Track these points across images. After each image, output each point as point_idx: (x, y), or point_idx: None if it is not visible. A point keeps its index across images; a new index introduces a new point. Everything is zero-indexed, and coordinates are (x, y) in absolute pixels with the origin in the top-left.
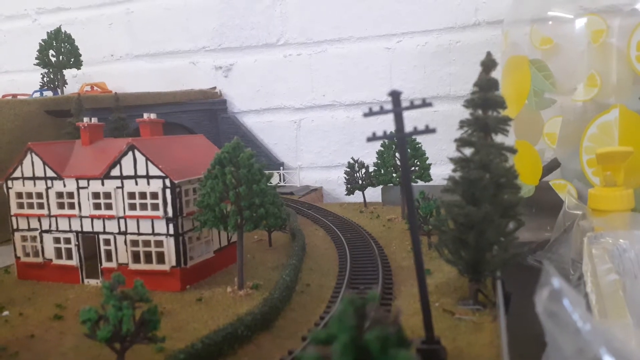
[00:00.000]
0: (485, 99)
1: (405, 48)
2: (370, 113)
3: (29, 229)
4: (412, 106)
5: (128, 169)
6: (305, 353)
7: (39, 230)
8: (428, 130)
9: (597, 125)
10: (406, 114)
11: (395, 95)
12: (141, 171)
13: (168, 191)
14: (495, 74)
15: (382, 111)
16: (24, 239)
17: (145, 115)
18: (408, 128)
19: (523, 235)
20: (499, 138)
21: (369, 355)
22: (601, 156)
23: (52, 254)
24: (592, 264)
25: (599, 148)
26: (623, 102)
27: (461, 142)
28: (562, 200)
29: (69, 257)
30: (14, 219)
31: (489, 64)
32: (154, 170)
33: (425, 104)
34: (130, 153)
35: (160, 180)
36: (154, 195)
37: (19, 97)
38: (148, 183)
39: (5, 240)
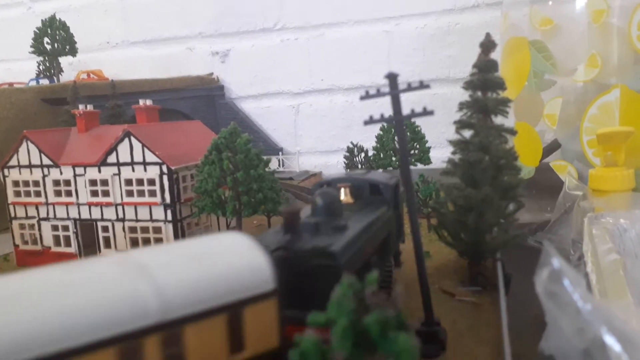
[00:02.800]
0: (484, 80)
1: (403, 31)
2: (366, 96)
3: (27, 217)
4: (410, 88)
5: (124, 156)
6: (304, 337)
7: (37, 218)
8: (426, 113)
9: (598, 105)
10: (405, 98)
11: (392, 78)
12: (138, 158)
13: (165, 177)
14: (495, 55)
15: (379, 94)
16: (22, 227)
17: (141, 102)
18: (407, 111)
19: (523, 216)
20: (498, 120)
21: (368, 339)
22: (602, 136)
23: (50, 241)
24: (592, 244)
25: (599, 129)
26: (624, 82)
27: (460, 125)
28: (563, 181)
29: (68, 244)
30: (11, 207)
31: (488, 45)
32: (150, 157)
33: (422, 85)
34: (126, 140)
35: (157, 167)
36: (151, 182)
37: (15, 85)
38: (145, 169)
39: (3, 228)
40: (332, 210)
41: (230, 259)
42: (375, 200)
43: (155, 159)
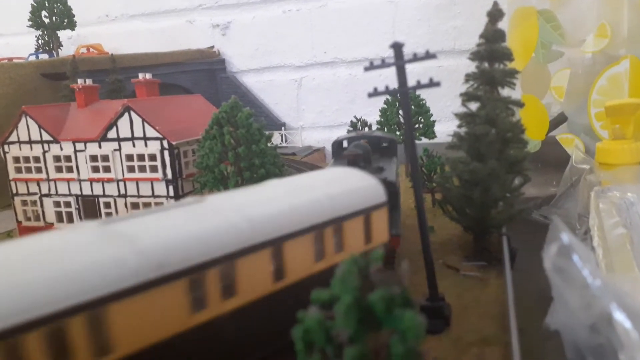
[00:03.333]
0: (491, 50)
1: (408, 1)
2: (371, 67)
3: (29, 193)
4: (415, 58)
5: (125, 131)
6: (307, 313)
7: (39, 195)
8: (432, 84)
9: (607, 77)
10: (409, 70)
11: (397, 48)
12: (138, 133)
13: (166, 153)
14: (502, 25)
15: (383, 65)
16: (24, 203)
17: (141, 76)
18: (411, 83)
19: (528, 190)
20: (505, 92)
21: (373, 316)
22: (610, 108)
23: (53, 218)
24: (599, 218)
25: (608, 101)
26: (634, 53)
27: (467, 97)
28: (569, 154)
29: (70, 220)
30: (12, 183)
31: (495, 14)
32: (151, 132)
33: (429, 55)
34: (126, 114)
35: (158, 142)
36: (152, 157)
37: (14, 60)
38: (146, 145)
39: (6, 205)
40: (366, 158)
41: (358, 181)
42: (386, 151)
43: (155, 134)
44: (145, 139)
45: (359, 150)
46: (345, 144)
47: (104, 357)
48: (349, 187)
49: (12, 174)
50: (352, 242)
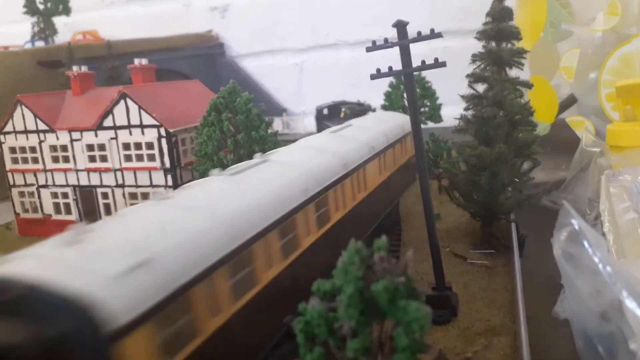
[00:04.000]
0: (499, 29)
1: None
2: (373, 47)
3: (26, 185)
4: (419, 38)
5: (121, 119)
6: (308, 305)
7: (36, 186)
8: (437, 64)
9: (618, 56)
10: (414, 52)
11: (400, 27)
12: (134, 120)
13: (164, 141)
14: (509, 3)
15: (386, 45)
16: (21, 194)
17: (137, 61)
18: (416, 64)
19: (537, 175)
20: (513, 72)
21: (376, 307)
22: (621, 89)
23: (51, 209)
24: (609, 203)
25: (619, 81)
26: None
27: (474, 78)
28: (579, 137)
29: (68, 212)
30: (9, 174)
31: None
32: (147, 119)
33: (433, 35)
34: (122, 102)
35: (155, 130)
36: (150, 146)
37: (10, 49)
38: (142, 133)
39: (4, 197)
40: (356, 117)
41: (399, 118)
42: (361, 115)
43: (152, 121)
44: (142, 126)
45: (355, 109)
46: (325, 111)
47: (363, 193)
48: (403, 119)
49: (9, 165)
50: (410, 150)
